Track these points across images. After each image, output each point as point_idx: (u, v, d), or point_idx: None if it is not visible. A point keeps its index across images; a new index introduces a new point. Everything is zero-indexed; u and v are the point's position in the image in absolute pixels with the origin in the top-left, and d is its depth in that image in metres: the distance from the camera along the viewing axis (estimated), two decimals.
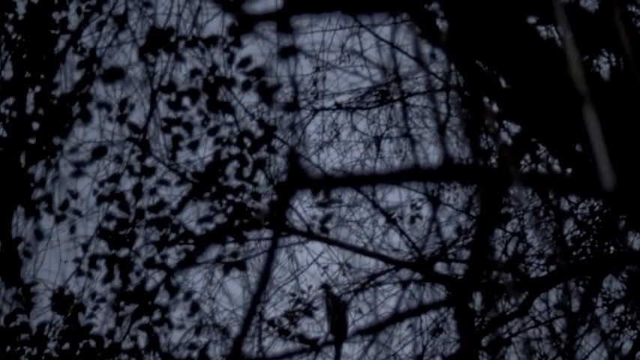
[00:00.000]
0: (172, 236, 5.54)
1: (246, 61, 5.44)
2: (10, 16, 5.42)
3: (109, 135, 5.54)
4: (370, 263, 6.88)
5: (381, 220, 7.05)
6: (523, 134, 5.66)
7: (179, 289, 5.55)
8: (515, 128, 6.03)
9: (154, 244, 5.53)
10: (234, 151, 5.58)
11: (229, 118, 5.56)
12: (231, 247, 5.77)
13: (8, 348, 5.43)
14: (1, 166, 5.38)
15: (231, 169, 5.57)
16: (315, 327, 7.01)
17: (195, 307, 5.67)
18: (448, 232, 6.79)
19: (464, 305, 6.19)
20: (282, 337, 6.80)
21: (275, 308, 6.96)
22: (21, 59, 5.39)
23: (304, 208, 6.66)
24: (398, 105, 7.27)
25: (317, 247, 6.96)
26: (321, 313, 6.98)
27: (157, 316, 5.51)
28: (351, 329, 6.93)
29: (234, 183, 5.59)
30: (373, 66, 6.95)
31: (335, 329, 6.87)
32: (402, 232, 6.90)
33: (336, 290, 6.99)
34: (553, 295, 6.51)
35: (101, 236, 5.52)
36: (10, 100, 5.41)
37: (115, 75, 5.41)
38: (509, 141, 6.01)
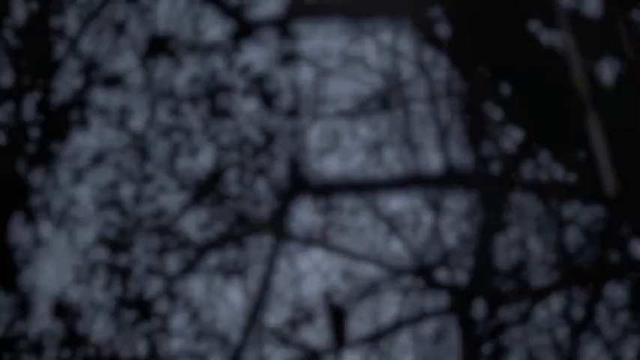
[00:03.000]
0: (172, 243, 5.52)
1: (246, 67, 5.44)
2: (9, 21, 5.41)
3: (108, 141, 5.54)
4: (371, 270, 6.86)
5: (383, 227, 7.03)
6: (526, 140, 5.64)
7: (179, 297, 5.54)
8: (517, 134, 6.01)
9: (153, 251, 5.52)
10: (235, 157, 5.56)
11: (230, 125, 5.55)
12: (231, 254, 5.75)
13: (7, 356, 5.42)
14: (0, 173, 5.37)
15: (231, 175, 5.56)
16: (316, 335, 6.98)
17: (195, 315, 5.66)
18: (450, 239, 6.77)
19: (466, 313, 6.18)
20: (283, 344, 6.78)
21: (275, 316, 6.94)
22: (20, 65, 5.39)
23: (305, 214, 6.64)
24: (400, 111, 7.25)
25: (318, 254, 6.95)
26: (321, 321, 6.96)
27: (156, 323, 5.50)
28: (351, 337, 6.91)
29: (235, 190, 5.57)
30: (375, 72, 6.93)
31: (336, 337, 6.85)
32: (403, 240, 6.88)
33: (336, 298, 6.97)
34: (555, 303, 6.49)
35: (101, 243, 5.51)
36: (9, 106, 5.40)
37: (115, 81, 5.40)
38: (512, 147, 6.00)
